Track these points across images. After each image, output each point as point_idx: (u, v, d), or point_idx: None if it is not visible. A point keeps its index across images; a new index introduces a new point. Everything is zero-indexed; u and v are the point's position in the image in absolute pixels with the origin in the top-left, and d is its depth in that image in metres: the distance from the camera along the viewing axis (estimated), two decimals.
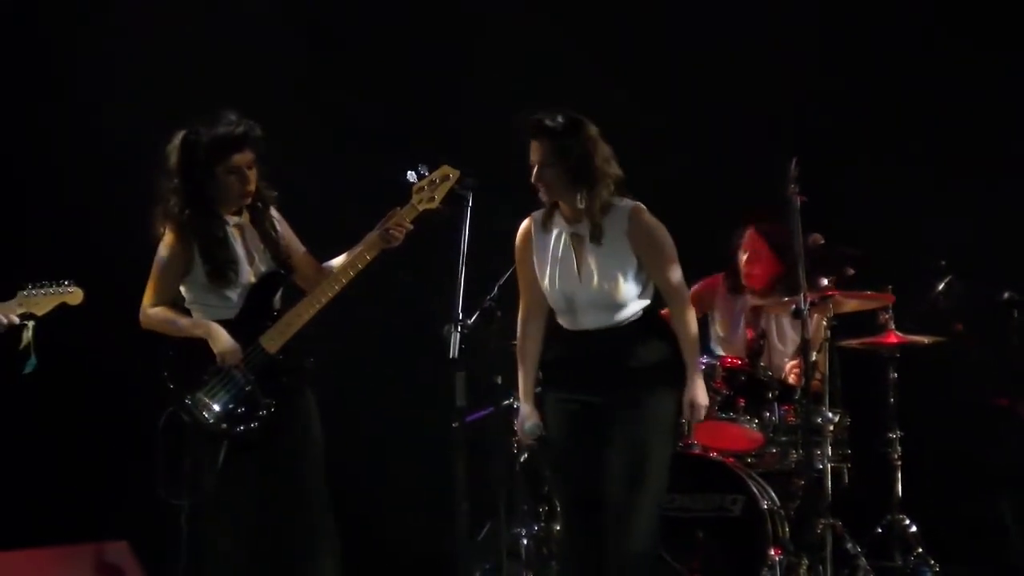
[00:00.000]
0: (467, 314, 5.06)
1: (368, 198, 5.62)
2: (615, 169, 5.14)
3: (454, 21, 7.43)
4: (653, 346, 5.16)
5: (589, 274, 5.14)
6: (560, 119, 5.09)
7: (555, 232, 5.19)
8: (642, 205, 5.14)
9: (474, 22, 7.41)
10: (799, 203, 5.87)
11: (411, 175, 5.25)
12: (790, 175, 5.86)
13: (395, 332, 7.26)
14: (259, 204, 5.36)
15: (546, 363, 5.29)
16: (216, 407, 5.17)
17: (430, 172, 5.29)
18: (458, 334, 4.99)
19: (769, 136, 7.03)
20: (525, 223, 5.26)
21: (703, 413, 5.18)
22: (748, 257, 6.68)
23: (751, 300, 6.69)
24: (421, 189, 5.27)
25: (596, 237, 5.12)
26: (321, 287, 5.29)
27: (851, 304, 6.35)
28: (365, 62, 7.43)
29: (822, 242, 6.17)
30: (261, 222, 5.37)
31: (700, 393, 5.17)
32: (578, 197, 5.08)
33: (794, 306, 5.96)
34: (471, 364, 5.05)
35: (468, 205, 5.21)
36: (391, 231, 5.26)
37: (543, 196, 5.15)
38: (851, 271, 6.28)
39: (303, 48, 7.44)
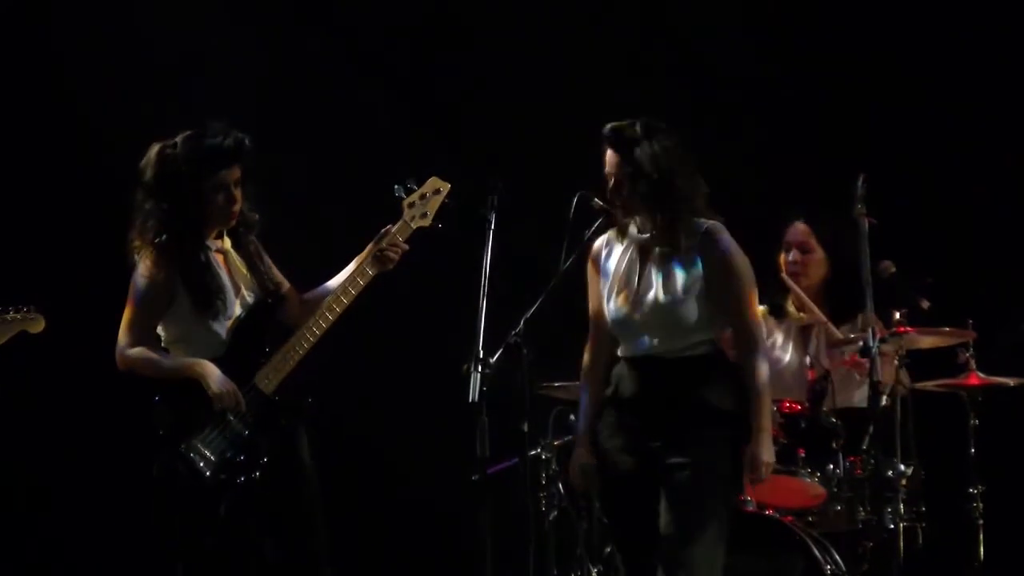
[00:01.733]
0: (489, 352, 4.86)
1: (353, 213, 5.59)
2: (700, 184, 4.95)
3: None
4: (715, 389, 4.91)
5: (649, 285, 4.93)
6: (639, 126, 4.90)
7: (624, 245, 5.02)
8: (721, 224, 4.95)
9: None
10: (867, 225, 5.67)
11: (398, 190, 5.16)
12: (857, 194, 5.65)
13: (406, 371, 7.12)
14: (241, 228, 5.17)
15: (603, 403, 5.07)
16: (213, 456, 4.98)
17: (418, 186, 5.19)
18: (479, 375, 4.81)
19: (832, 149, 6.89)
20: (597, 243, 5.08)
21: (767, 472, 4.93)
22: (794, 252, 6.29)
23: (795, 318, 6.31)
24: (412, 204, 5.18)
25: (664, 249, 4.92)
26: (314, 318, 5.09)
27: (927, 341, 6.08)
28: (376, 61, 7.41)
29: (894, 270, 5.96)
30: (245, 247, 5.19)
31: (766, 450, 4.90)
32: (657, 215, 4.91)
33: (861, 343, 5.75)
34: (494, 409, 4.89)
35: (491, 226, 5.02)
36: (387, 252, 5.13)
37: (618, 213, 4.97)
38: (926, 303, 6.02)
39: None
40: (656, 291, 4.92)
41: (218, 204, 5.05)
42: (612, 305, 4.99)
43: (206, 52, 7.11)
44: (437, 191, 5.18)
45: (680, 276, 4.92)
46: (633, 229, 5.00)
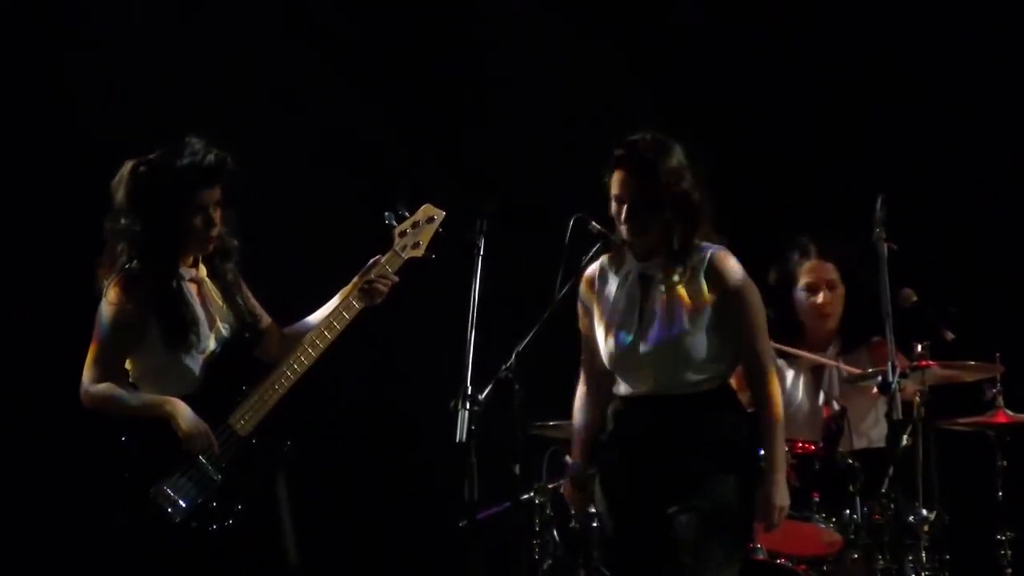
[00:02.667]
0: (478, 388, 4.74)
1: (339, 241, 5.61)
2: (710, 204, 4.86)
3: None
4: (723, 428, 4.81)
5: (652, 317, 4.79)
6: (654, 144, 4.79)
7: (622, 273, 4.90)
8: (726, 249, 4.87)
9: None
10: (887, 250, 5.50)
11: (389, 217, 5.11)
12: (876, 216, 5.49)
13: (389, 409, 7.08)
14: (218, 255, 5.09)
15: (599, 445, 4.99)
16: (183, 502, 4.88)
17: (410, 213, 5.14)
18: (467, 413, 4.69)
19: (849, 169, 6.82)
20: (591, 269, 4.97)
21: (780, 517, 4.82)
22: (822, 293, 6.22)
23: (809, 355, 6.26)
24: (404, 233, 5.12)
25: (668, 276, 4.78)
26: (294, 354, 5.01)
27: (950, 375, 5.93)
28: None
29: (915, 299, 5.79)
30: (221, 276, 5.09)
31: (779, 493, 4.80)
32: (673, 237, 4.78)
33: (880, 377, 5.57)
34: (483, 450, 4.76)
35: (480, 252, 4.85)
36: (375, 285, 5.04)
37: (627, 236, 4.83)
38: (950, 335, 5.85)
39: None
40: (662, 324, 4.82)
41: (196, 227, 4.94)
42: (612, 340, 4.88)
43: (188, 65, 7.11)
44: (431, 219, 5.12)
45: (687, 307, 4.80)
46: (631, 259, 4.90)
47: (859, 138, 6.96)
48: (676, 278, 4.78)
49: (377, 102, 7.24)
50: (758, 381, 4.82)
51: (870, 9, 7.02)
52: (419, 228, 5.11)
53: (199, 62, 7.07)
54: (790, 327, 6.28)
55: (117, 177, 4.96)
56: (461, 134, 7.20)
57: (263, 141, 6.46)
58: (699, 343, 4.78)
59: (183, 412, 4.86)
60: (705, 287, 4.79)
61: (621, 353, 4.85)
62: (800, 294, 6.27)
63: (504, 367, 4.94)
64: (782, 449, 4.84)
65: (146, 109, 6.86)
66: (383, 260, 5.07)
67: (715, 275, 4.79)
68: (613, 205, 4.82)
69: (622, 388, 4.91)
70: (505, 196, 5.11)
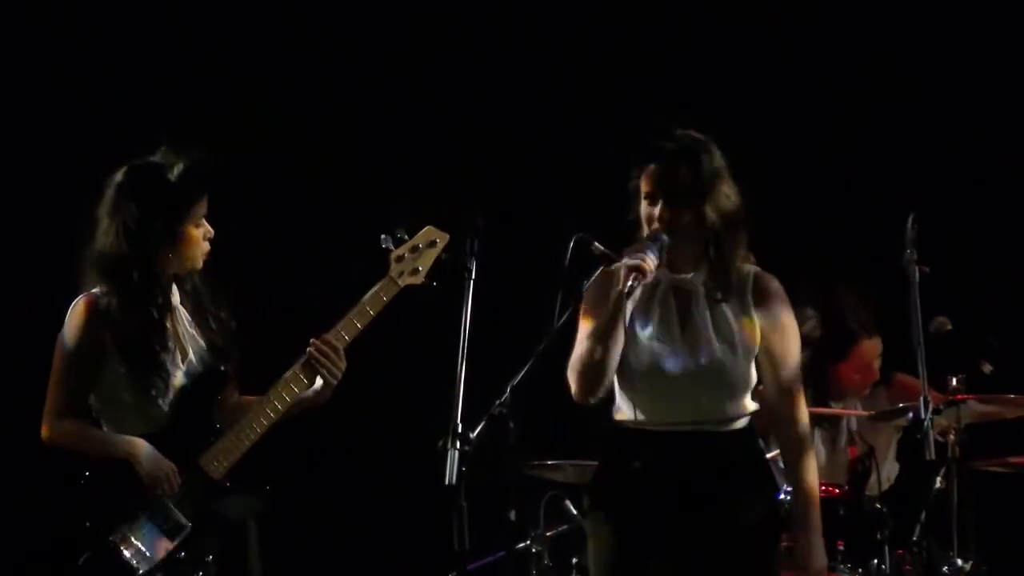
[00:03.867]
0: (469, 425, 4.46)
1: (329, 267, 5.67)
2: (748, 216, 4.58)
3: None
4: (756, 474, 4.46)
5: (695, 335, 4.42)
6: (692, 137, 4.47)
7: (648, 283, 4.50)
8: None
9: None
10: (919, 274, 5.27)
11: (385, 240, 4.93)
12: (907, 238, 5.27)
13: (373, 449, 6.92)
14: (189, 275, 4.94)
15: (598, 487, 4.62)
16: (148, 551, 4.74)
17: (410, 236, 4.96)
18: (457, 452, 4.41)
19: (879, 186, 6.69)
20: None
21: None
22: (866, 371, 6.21)
23: (829, 411, 6.18)
24: (401, 258, 4.92)
25: (713, 292, 4.43)
26: (276, 389, 4.81)
27: (989, 411, 5.71)
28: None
29: (949, 327, 5.66)
30: (197, 299, 4.92)
31: (818, 554, 4.47)
32: (707, 243, 4.44)
33: (911, 414, 5.28)
34: (475, 493, 4.45)
35: (471, 276, 4.59)
36: (319, 366, 4.82)
37: (660, 237, 4.46)
38: (988, 367, 5.68)
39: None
40: (703, 341, 4.46)
41: (195, 240, 4.81)
42: (638, 357, 4.49)
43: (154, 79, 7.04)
44: (432, 243, 4.94)
45: (735, 327, 4.47)
46: (663, 268, 4.53)
47: (889, 154, 6.89)
48: (720, 294, 4.47)
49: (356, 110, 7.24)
50: (792, 425, 4.52)
51: (900, 25, 6.95)
52: (419, 252, 4.93)
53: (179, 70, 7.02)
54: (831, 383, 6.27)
55: (111, 184, 4.81)
56: (452, 145, 7.15)
57: (238, 153, 6.33)
58: (744, 371, 4.47)
59: (145, 453, 4.73)
60: (752, 308, 4.50)
61: (654, 379, 4.49)
62: (855, 376, 6.24)
63: (498, 402, 4.56)
64: (817, 504, 4.53)
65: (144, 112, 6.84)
66: (368, 296, 4.86)
67: (762, 295, 4.50)
68: (643, 207, 4.49)
69: (643, 417, 4.52)
70: (501, 215, 4.96)
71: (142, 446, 4.74)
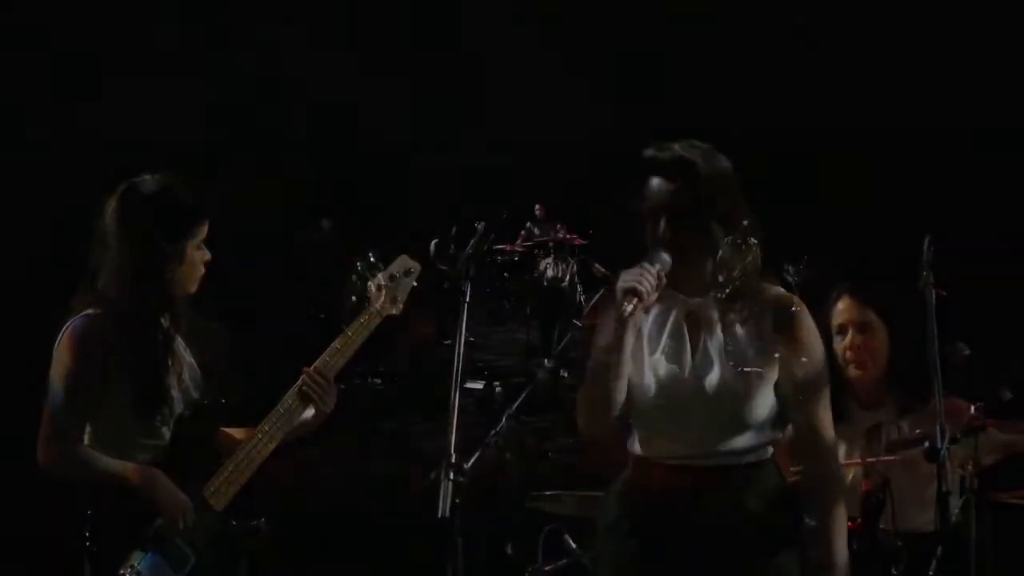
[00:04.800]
0: (464, 456, 4.37)
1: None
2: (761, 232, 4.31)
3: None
4: (775, 520, 4.22)
5: (708, 364, 4.18)
6: (694, 147, 4.23)
7: (660, 309, 4.28)
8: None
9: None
10: (936, 298, 5.10)
11: (362, 268, 4.94)
12: (923, 259, 5.09)
13: (364, 481, 6.91)
14: (187, 299, 4.90)
15: (605, 529, 4.42)
16: None
17: (385, 265, 4.96)
18: (451, 484, 4.30)
19: (892, 208, 6.49)
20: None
21: None
22: (852, 335, 5.65)
23: (865, 416, 5.75)
24: (380, 287, 4.93)
25: (727, 318, 4.19)
26: (273, 420, 4.78)
27: (1009, 440, 5.51)
28: None
29: (967, 353, 5.44)
30: (190, 322, 4.86)
31: None
32: (713, 262, 4.20)
33: (927, 443, 5.06)
34: (470, 527, 4.38)
35: (466, 299, 4.44)
36: (311, 395, 4.80)
37: (660, 257, 4.21)
38: (1008, 394, 5.44)
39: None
40: (716, 371, 4.21)
41: (195, 262, 4.78)
42: (646, 386, 4.25)
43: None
44: (408, 271, 4.96)
45: (750, 354, 4.21)
46: (672, 293, 4.31)
47: (906, 175, 6.69)
48: (735, 316, 4.22)
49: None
50: (820, 460, 4.29)
51: (917, 46, 6.92)
52: (397, 281, 4.92)
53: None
54: (834, 386, 5.84)
55: (111, 208, 4.72)
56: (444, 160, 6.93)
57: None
58: (762, 403, 4.22)
59: (163, 485, 4.64)
60: (771, 333, 4.24)
61: (662, 412, 4.26)
62: (834, 340, 5.73)
63: (493, 432, 4.59)
64: (845, 546, 4.35)
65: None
66: (352, 328, 4.81)
67: (785, 321, 4.24)
68: (647, 225, 4.25)
69: (641, 446, 4.32)
70: (492, 235, 4.73)
71: (159, 477, 4.66)
